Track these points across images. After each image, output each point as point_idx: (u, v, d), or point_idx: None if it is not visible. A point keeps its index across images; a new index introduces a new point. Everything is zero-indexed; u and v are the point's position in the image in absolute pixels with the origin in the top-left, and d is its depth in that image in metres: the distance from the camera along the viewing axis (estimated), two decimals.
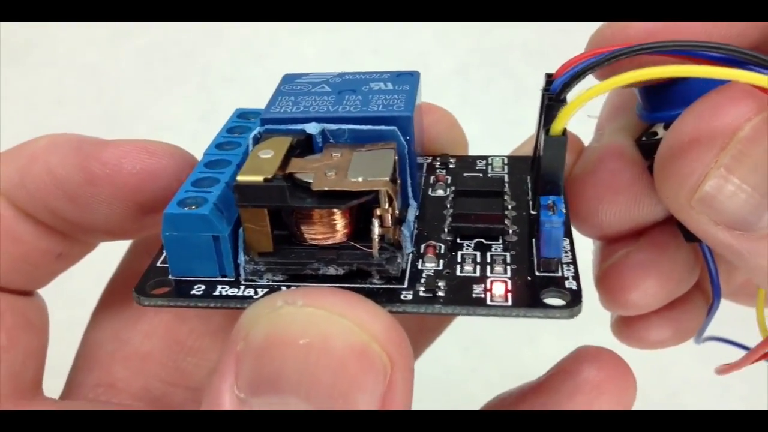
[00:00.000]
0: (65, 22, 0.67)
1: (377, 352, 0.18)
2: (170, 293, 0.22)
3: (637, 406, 0.25)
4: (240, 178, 0.20)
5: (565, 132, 0.22)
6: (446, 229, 0.24)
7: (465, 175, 0.27)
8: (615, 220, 0.28)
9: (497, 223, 0.23)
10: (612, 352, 0.25)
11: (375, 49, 0.72)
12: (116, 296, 0.29)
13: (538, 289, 0.21)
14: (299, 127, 0.22)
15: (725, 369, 0.26)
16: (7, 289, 0.25)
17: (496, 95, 0.70)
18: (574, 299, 0.20)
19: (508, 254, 0.22)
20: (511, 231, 0.23)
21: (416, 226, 0.24)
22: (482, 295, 0.21)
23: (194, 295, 0.21)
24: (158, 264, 0.23)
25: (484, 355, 0.55)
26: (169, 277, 0.22)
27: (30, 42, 0.73)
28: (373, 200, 0.20)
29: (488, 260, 0.22)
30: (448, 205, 0.25)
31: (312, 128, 0.22)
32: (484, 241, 0.23)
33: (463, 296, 0.21)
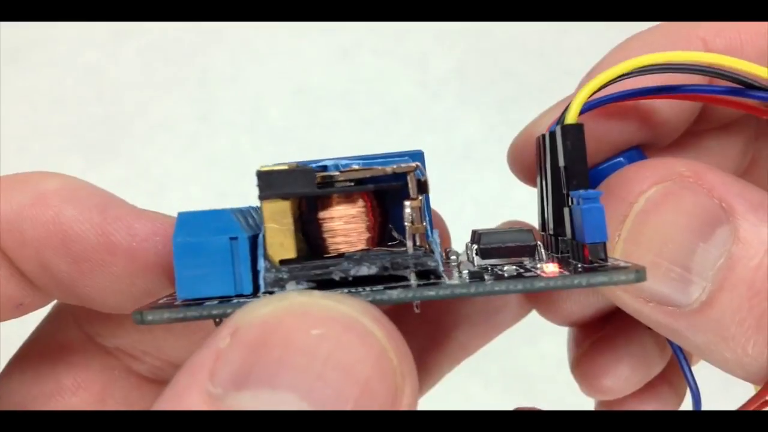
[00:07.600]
0: (65, 22, 0.67)
1: (394, 362, 0.16)
2: (178, 305, 0.19)
3: None
4: (262, 168, 0.19)
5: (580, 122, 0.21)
6: (474, 257, 0.22)
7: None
8: (577, 309, 0.29)
9: (529, 241, 0.21)
10: None
11: (375, 49, 0.72)
12: (29, 364, 0.25)
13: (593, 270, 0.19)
14: (311, 164, 0.20)
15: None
16: None
17: (496, 96, 0.70)
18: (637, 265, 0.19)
19: (548, 263, 0.21)
20: (543, 251, 0.22)
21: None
22: (535, 273, 0.19)
23: (208, 305, 0.18)
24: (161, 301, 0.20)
25: (484, 354, 0.55)
26: (176, 302, 0.19)
27: (30, 42, 0.73)
28: (402, 188, 0.19)
29: (527, 265, 0.21)
30: (470, 245, 0.23)
31: (326, 161, 0.20)
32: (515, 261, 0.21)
33: (513, 276, 0.19)
